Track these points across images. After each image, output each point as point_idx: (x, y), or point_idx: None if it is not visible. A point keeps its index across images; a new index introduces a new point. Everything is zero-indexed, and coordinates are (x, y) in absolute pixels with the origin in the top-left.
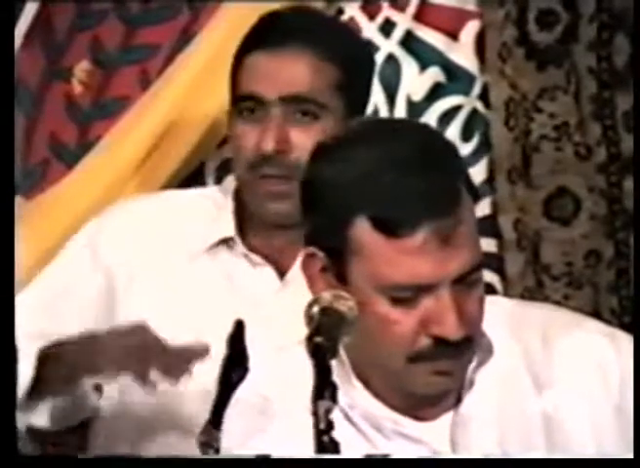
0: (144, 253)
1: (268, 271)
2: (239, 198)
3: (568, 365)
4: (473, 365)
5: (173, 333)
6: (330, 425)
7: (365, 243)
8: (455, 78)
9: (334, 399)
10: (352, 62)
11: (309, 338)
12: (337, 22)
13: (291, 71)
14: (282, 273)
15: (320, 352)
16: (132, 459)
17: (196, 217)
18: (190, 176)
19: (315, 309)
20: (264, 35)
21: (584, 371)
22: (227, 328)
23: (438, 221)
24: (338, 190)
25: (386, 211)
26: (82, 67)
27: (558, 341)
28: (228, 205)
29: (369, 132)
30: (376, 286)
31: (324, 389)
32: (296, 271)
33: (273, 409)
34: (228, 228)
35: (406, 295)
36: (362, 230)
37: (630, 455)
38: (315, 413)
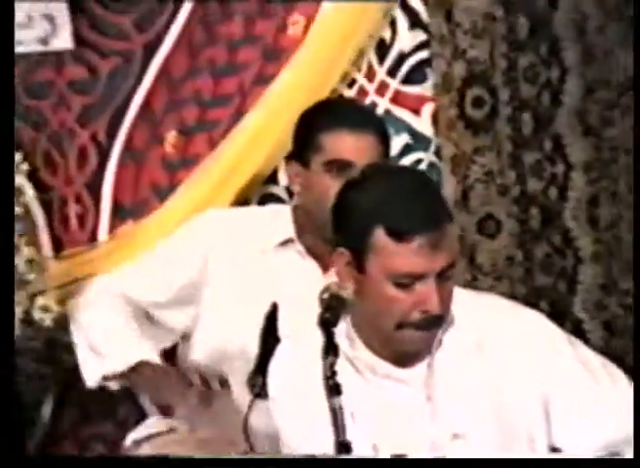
0: (231, 246)
1: (313, 265)
2: (296, 213)
3: (502, 334)
4: (442, 330)
5: (245, 305)
6: (334, 373)
7: (380, 245)
8: (418, 140)
9: (336, 355)
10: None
11: (321, 315)
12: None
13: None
14: (324, 266)
15: (327, 324)
16: (132, 459)
17: (267, 224)
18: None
19: (325, 295)
20: (345, 116)
21: (516, 340)
22: (288, 304)
23: (431, 233)
24: (363, 210)
25: (397, 224)
26: (171, 135)
27: (496, 317)
28: (289, 217)
29: (383, 171)
30: (385, 274)
31: (329, 348)
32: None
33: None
34: (290, 231)
35: (405, 282)
36: (379, 236)
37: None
38: (324, 366)
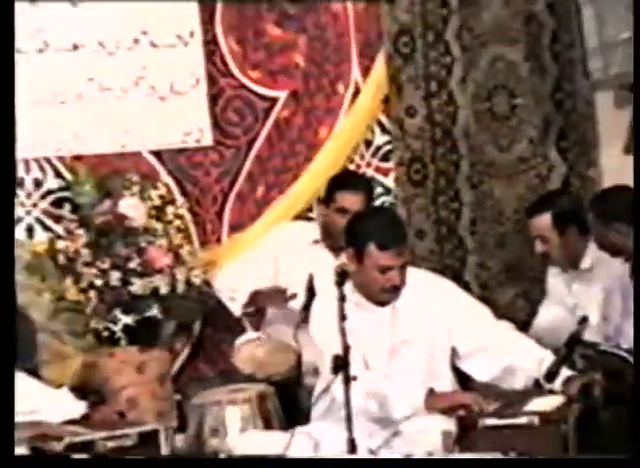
0: (291, 244)
1: (329, 254)
2: (321, 228)
3: (430, 291)
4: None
5: (295, 277)
6: (343, 309)
7: (371, 252)
8: (386, 191)
9: (344, 300)
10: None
11: (336, 279)
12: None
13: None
14: (335, 256)
15: (340, 284)
16: (130, 459)
17: (309, 231)
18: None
19: (338, 269)
20: (348, 182)
21: (437, 293)
22: (317, 274)
23: (399, 247)
24: (363, 232)
25: (383, 241)
26: (260, 188)
27: (427, 282)
28: (317, 229)
29: (375, 211)
30: (373, 266)
31: (341, 297)
32: (342, 257)
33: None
34: (317, 235)
35: (384, 270)
36: (371, 247)
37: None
38: (338, 306)
